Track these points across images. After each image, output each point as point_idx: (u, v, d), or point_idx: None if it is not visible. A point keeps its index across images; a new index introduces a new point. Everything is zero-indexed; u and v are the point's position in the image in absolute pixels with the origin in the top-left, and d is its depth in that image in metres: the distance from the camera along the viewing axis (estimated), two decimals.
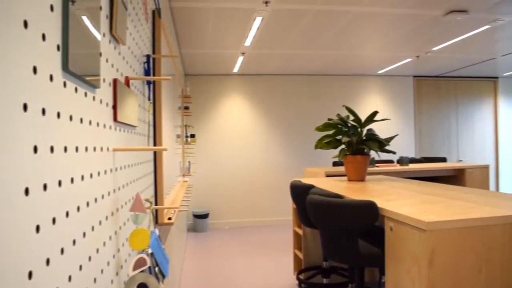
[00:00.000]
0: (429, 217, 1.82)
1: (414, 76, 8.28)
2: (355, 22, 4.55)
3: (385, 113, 8.03)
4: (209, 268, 4.90)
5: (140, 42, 1.97)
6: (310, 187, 3.03)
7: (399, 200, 2.42)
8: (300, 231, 4.07)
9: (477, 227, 1.83)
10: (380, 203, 2.21)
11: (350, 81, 8.01)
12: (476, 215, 1.88)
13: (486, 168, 5.57)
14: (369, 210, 2.15)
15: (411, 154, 8.01)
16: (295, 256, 4.30)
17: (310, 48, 5.72)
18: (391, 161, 5.84)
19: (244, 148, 7.57)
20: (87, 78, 1.02)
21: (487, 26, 4.80)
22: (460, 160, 8.44)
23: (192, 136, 6.49)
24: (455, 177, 5.50)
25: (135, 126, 1.70)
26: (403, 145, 8.09)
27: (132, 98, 1.61)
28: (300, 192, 3.13)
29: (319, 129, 3.63)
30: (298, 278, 3.92)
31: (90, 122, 1.06)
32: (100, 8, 1.18)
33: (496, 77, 8.69)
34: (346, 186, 3.29)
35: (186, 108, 6.12)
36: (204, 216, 7.11)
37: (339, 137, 3.57)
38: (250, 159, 7.59)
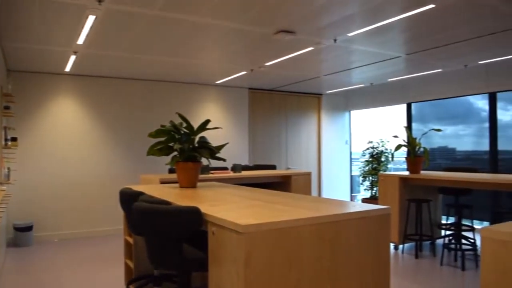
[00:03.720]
0: (246, 221, 1.93)
1: (249, 89, 8.80)
2: (193, 31, 4.64)
3: (222, 122, 8.33)
4: (32, 286, 4.43)
5: None
6: (139, 194, 2.97)
7: (224, 205, 2.52)
8: (131, 240, 3.95)
9: (288, 228, 2.00)
10: (204, 209, 2.26)
11: (189, 89, 8.13)
12: (288, 217, 2.06)
13: (308, 175, 6.20)
14: (193, 216, 2.19)
15: (245, 162, 8.45)
16: (126, 266, 4.15)
17: (148, 53, 5.64)
18: (225, 168, 6.07)
19: (76, 154, 7.06)
20: None
21: (311, 48, 5.36)
22: (289, 168, 9.22)
23: (14, 139, 5.82)
24: (283, 183, 5.98)
25: None
26: (238, 153, 8.49)
27: None
28: (128, 199, 3.04)
29: (152, 135, 3.59)
30: None
31: None
32: None
33: (321, 94, 9.77)
34: (177, 192, 3.30)
35: (7, 107, 5.49)
36: (28, 228, 6.40)
37: (172, 144, 3.58)
38: (83, 165, 7.11)
